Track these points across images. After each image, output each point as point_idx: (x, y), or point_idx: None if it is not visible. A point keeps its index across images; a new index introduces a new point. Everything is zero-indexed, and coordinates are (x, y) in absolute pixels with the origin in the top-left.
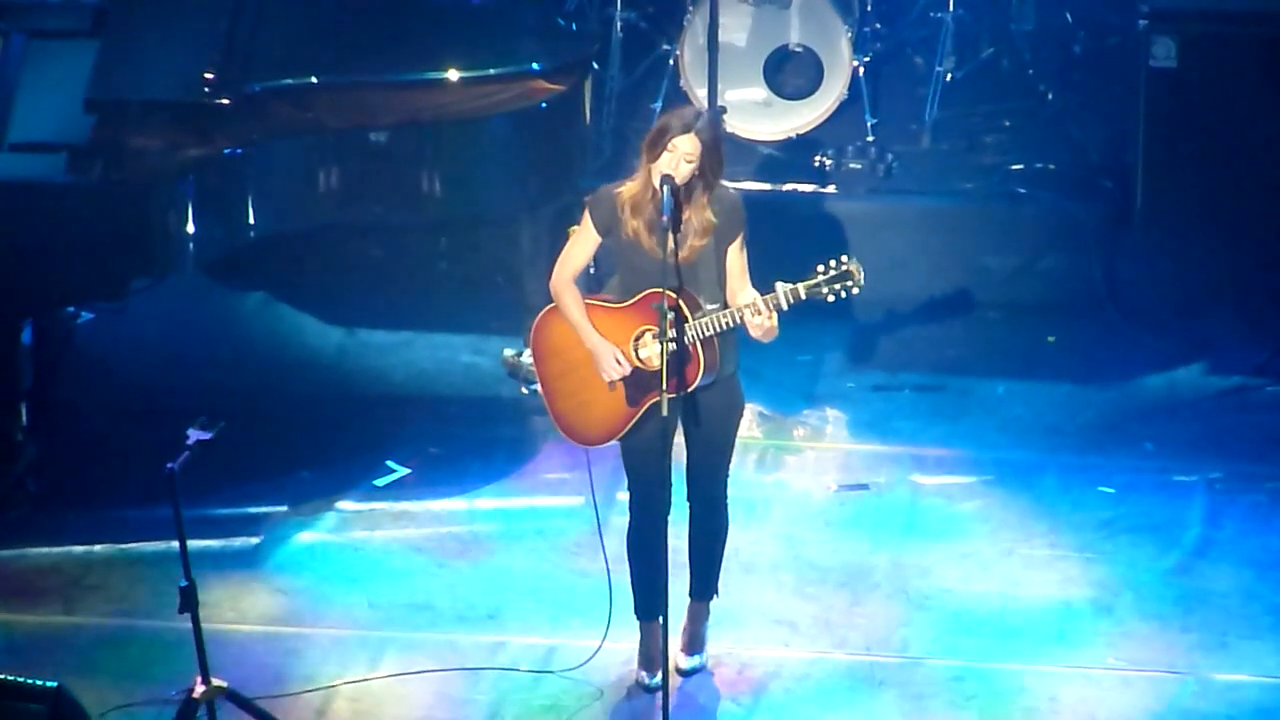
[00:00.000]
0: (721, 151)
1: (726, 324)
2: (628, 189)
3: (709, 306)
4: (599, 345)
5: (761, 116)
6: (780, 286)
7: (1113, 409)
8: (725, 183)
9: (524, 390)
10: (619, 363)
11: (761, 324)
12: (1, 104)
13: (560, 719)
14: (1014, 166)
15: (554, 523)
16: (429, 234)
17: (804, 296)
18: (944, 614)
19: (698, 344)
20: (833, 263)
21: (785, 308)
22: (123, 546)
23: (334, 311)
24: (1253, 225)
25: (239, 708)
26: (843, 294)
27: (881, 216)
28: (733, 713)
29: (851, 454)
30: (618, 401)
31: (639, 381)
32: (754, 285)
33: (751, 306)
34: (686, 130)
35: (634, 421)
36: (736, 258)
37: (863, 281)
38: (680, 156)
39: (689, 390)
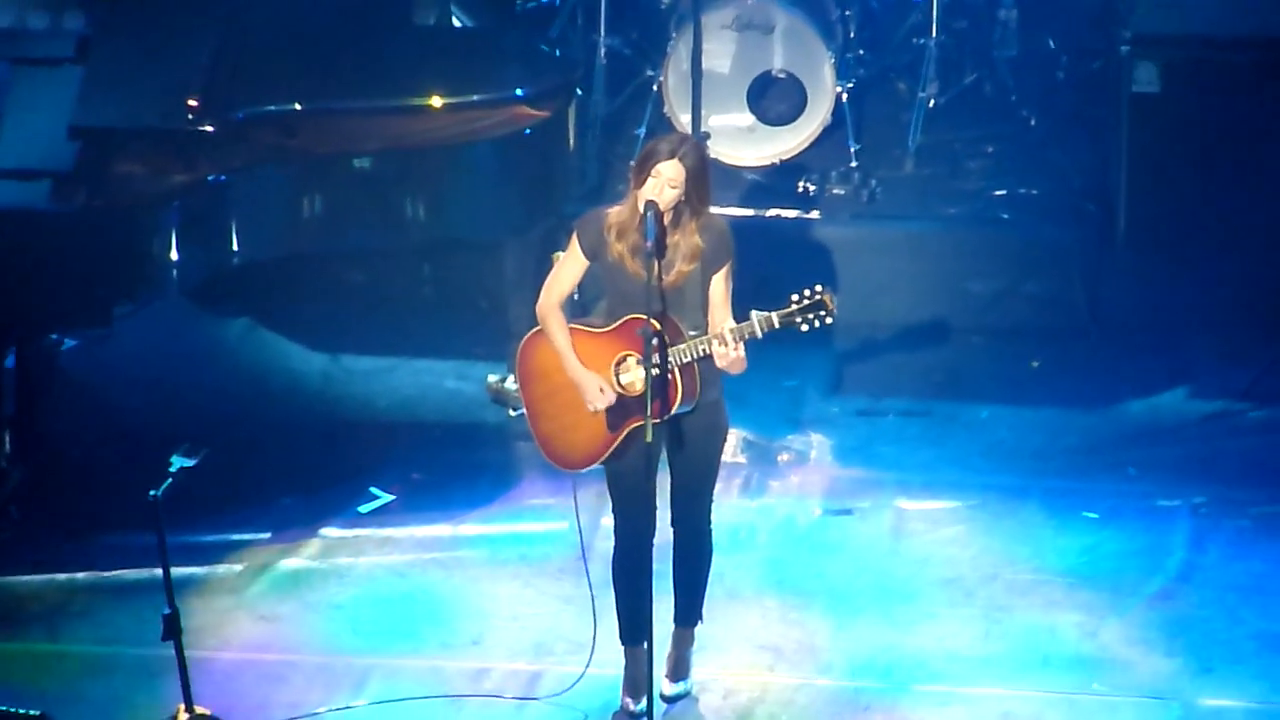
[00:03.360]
0: (707, 177)
1: (704, 351)
2: (615, 213)
3: (691, 333)
4: (583, 376)
5: (745, 142)
6: (755, 315)
7: (1096, 433)
8: (714, 210)
9: (510, 414)
10: (603, 392)
11: (726, 355)
12: None
13: None
14: (997, 191)
15: (538, 548)
16: (413, 259)
17: (778, 326)
18: (929, 639)
19: (676, 370)
20: (806, 292)
21: (760, 336)
22: (106, 573)
23: (318, 337)
24: (1236, 250)
25: None
26: (816, 324)
27: (865, 241)
28: None
29: (836, 478)
30: (599, 426)
31: (620, 407)
32: (737, 313)
33: (719, 337)
34: (671, 156)
35: (615, 446)
36: (720, 286)
37: (836, 311)
38: (665, 182)
39: (668, 416)
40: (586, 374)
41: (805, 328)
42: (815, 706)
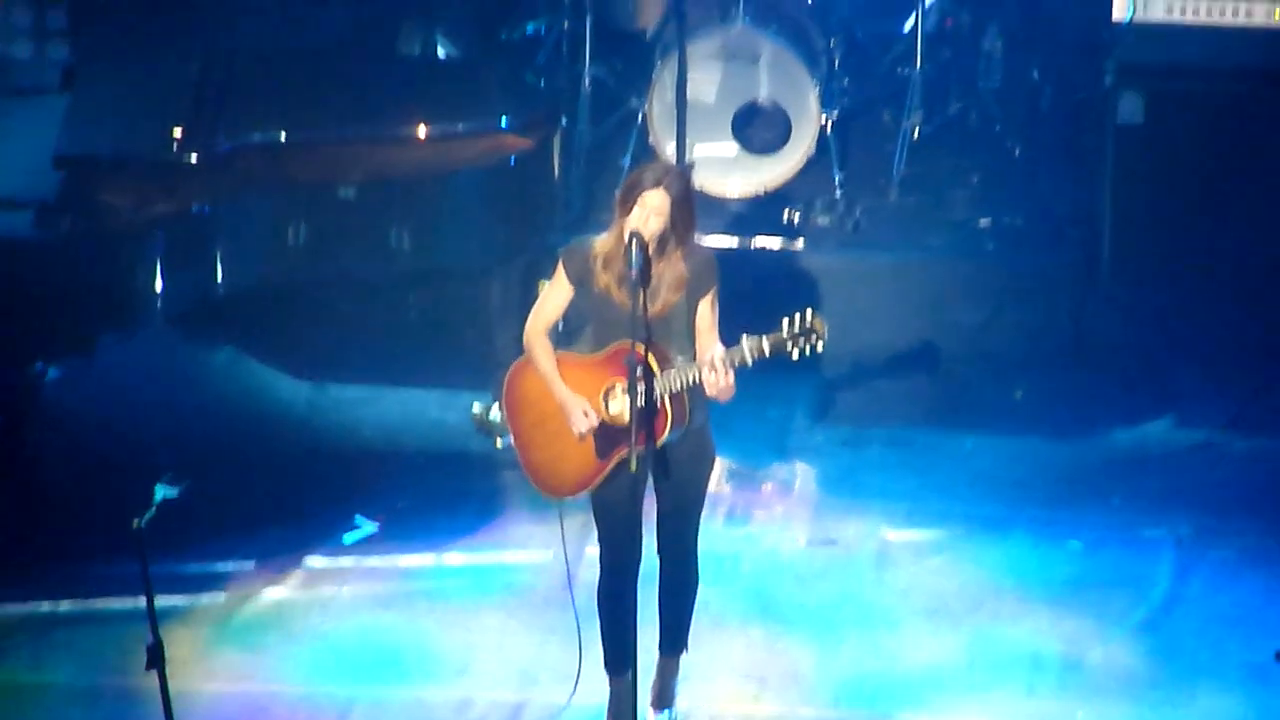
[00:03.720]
0: (692, 207)
1: (693, 379)
2: (600, 243)
3: (679, 360)
4: (568, 398)
5: (730, 171)
6: (745, 341)
7: (1081, 463)
8: (699, 240)
9: (498, 444)
10: (587, 415)
11: (716, 382)
12: None
13: None
14: (982, 222)
15: (522, 578)
16: (397, 289)
17: (768, 352)
18: (913, 669)
19: (666, 398)
20: (797, 318)
21: (750, 362)
22: (89, 603)
23: (302, 366)
24: (1220, 280)
25: None
26: (807, 350)
27: (850, 271)
28: None
29: (820, 508)
30: (588, 454)
31: (608, 435)
32: (722, 340)
33: (709, 364)
34: (656, 185)
35: (603, 475)
36: (706, 313)
37: (826, 337)
38: (650, 211)
39: (657, 444)
40: (572, 396)
41: (796, 354)
42: None
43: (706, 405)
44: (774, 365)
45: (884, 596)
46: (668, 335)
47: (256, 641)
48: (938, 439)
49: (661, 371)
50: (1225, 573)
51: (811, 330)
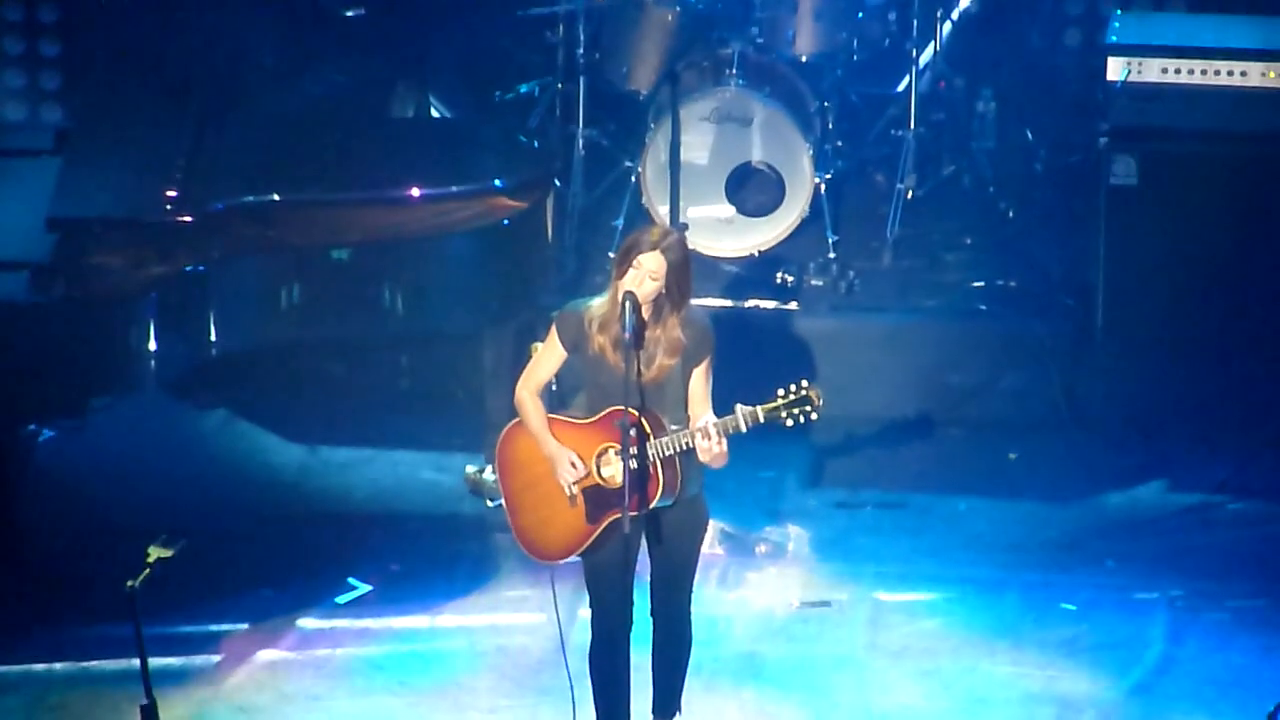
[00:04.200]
0: (689, 271)
1: (686, 444)
2: (596, 306)
3: (672, 427)
4: (555, 451)
5: (724, 233)
6: (739, 409)
7: (1074, 526)
8: (692, 301)
9: (489, 503)
10: (575, 466)
11: (710, 449)
12: None
13: None
14: (975, 284)
15: (516, 639)
16: (390, 351)
17: (762, 420)
18: None
19: (658, 464)
20: (793, 387)
21: (744, 429)
22: (84, 664)
23: (295, 429)
24: (1213, 343)
25: None
26: (801, 419)
27: (843, 333)
28: None
29: (814, 570)
30: (578, 518)
31: (599, 499)
32: (715, 405)
33: (702, 431)
34: (653, 248)
35: (593, 539)
36: (700, 380)
37: (822, 407)
38: (645, 274)
39: (647, 509)
40: (559, 448)
41: (790, 423)
42: None
43: (701, 473)
44: (767, 427)
45: (877, 659)
46: (661, 401)
47: (250, 702)
48: (931, 501)
49: (654, 437)
50: (1219, 635)
51: (806, 399)
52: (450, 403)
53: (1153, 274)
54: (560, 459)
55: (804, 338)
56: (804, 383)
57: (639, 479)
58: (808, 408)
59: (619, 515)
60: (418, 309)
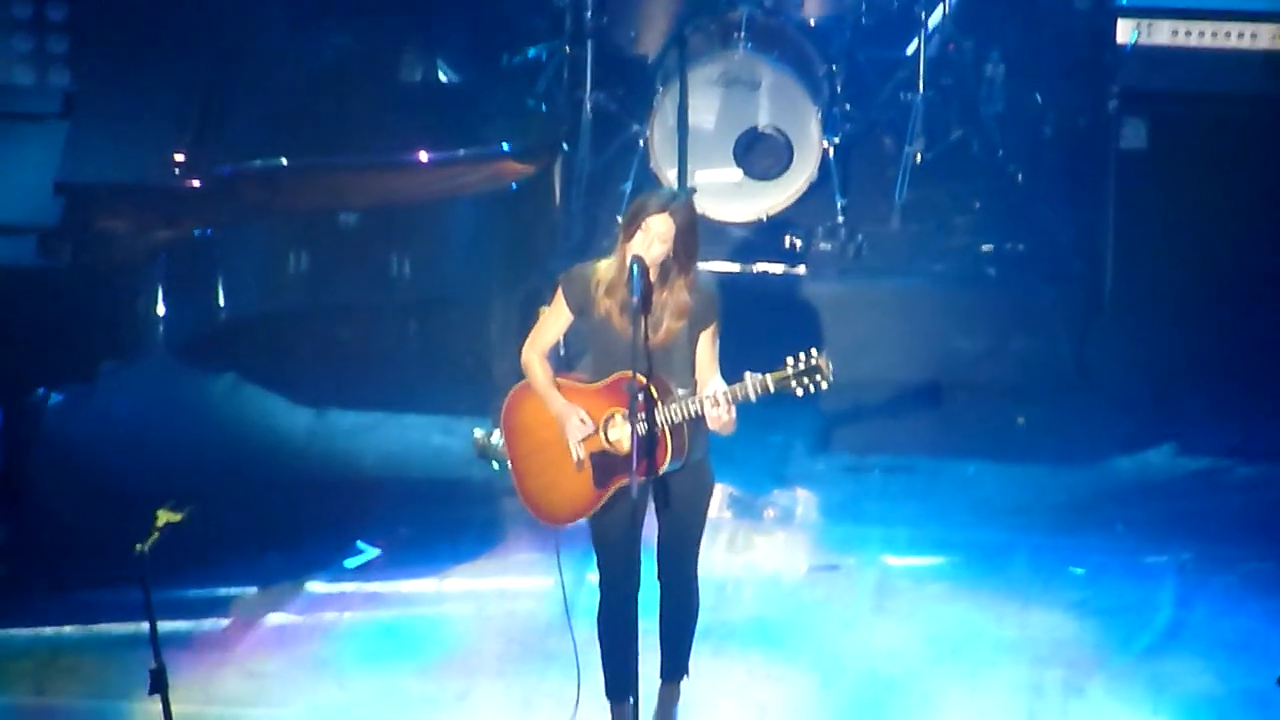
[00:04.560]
0: (696, 235)
1: (695, 411)
2: (602, 268)
3: (680, 392)
4: (563, 408)
5: (731, 198)
6: (749, 377)
7: (1083, 490)
8: (700, 265)
9: (496, 467)
10: (584, 422)
11: (719, 417)
12: None
13: None
14: (984, 248)
15: (524, 603)
16: (398, 315)
17: (772, 389)
18: (914, 695)
19: (666, 430)
20: (802, 356)
21: (753, 398)
22: (93, 628)
23: (303, 393)
24: (1223, 306)
25: None
26: (811, 388)
27: (851, 297)
28: None
29: (821, 534)
30: (585, 483)
31: (606, 464)
32: (723, 370)
33: (711, 399)
34: (661, 211)
35: (601, 503)
36: (707, 346)
37: (831, 376)
38: (654, 237)
39: (656, 475)
40: (567, 406)
41: (800, 392)
42: None
43: (707, 438)
44: (779, 393)
45: (885, 622)
46: (668, 366)
47: (259, 667)
48: (939, 465)
49: (662, 403)
50: (1228, 599)
51: (816, 369)
52: (458, 367)
53: (1162, 237)
54: (568, 417)
55: (812, 302)
56: (814, 352)
57: (647, 444)
58: (818, 377)
59: (626, 480)
60: (425, 273)
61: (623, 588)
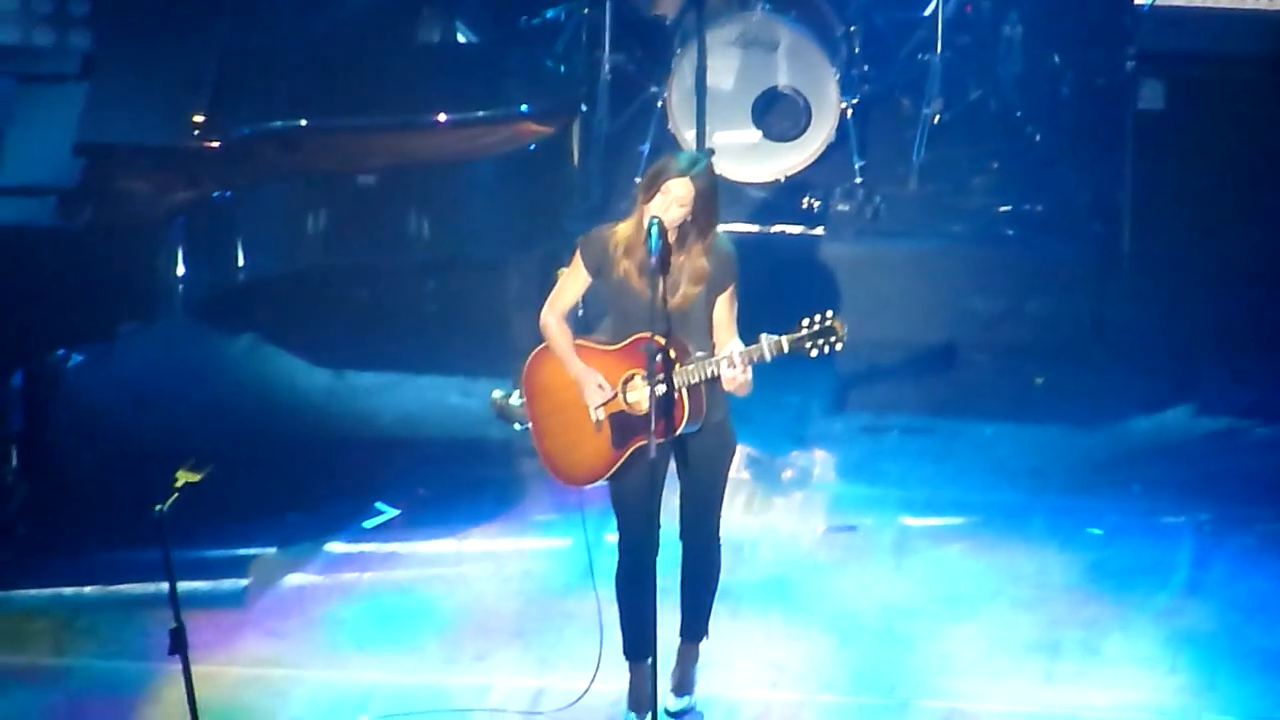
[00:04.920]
0: (716, 199)
1: (711, 373)
2: (621, 230)
3: (698, 354)
4: (582, 372)
5: (749, 159)
6: (764, 339)
7: (1101, 451)
8: (720, 230)
9: (517, 427)
10: (602, 387)
11: (735, 378)
12: None
13: None
14: (1002, 208)
15: (542, 564)
16: (417, 276)
17: (786, 350)
18: (932, 655)
19: (684, 391)
20: (817, 317)
21: (768, 359)
22: (113, 588)
23: (322, 354)
24: (1241, 267)
25: None
26: (825, 349)
27: (869, 258)
28: None
29: (839, 495)
30: (604, 444)
31: (625, 425)
32: (740, 330)
33: (728, 360)
34: (682, 174)
35: (619, 464)
36: (725, 308)
37: (845, 338)
38: (673, 200)
39: (673, 436)
40: (586, 370)
41: (814, 353)
42: None
43: (727, 400)
44: (794, 354)
45: (903, 583)
46: (686, 328)
47: (278, 626)
48: (957, 426)
49: (680, 364)
50: (1245, 559)
51: (830, 330)
52: (476, 328)
53: (1179, 198)
54: (587, 381)
55: (830, 263)
56: (828, 314)
57: (665, 406)
58: (832, 338)
59: (644, 441)
60: (444, 234)
61: (642, 549)
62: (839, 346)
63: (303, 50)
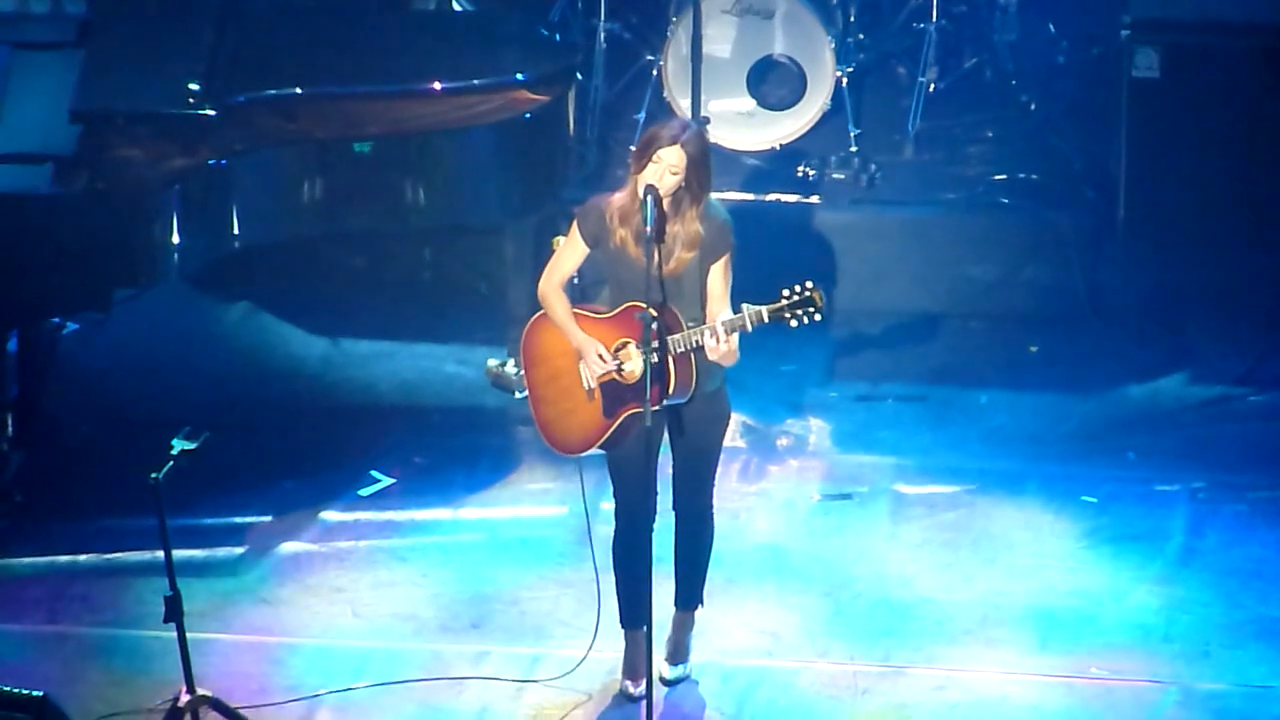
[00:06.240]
0: (708, 165)
1: (697, 342)
2: (617, 199)
3: (689, 324)
4: (584, 341)
5: (745, 127)
6: (746, 309)
7: (1095, 419)
8: (715, 198)
9: (516, 395)
10: (602, 358)
11: (717, 348)
12: None
13: None
14: (996, 177)
15: (538, 532)
16: (412, 244)
17: (767, 320)
18: (927, 623)
19: (671, 360)
20: (797, 288)
21: (749, 329)
22: (108, 556)
23: (318, 321)
24: (1234, 235)
25: (223, 717)
26: (805, 319)
27: (864, 227)
28: None
29: (834, 463)
30: (595, 412)
31: (615, 393)
32: (737, 295)
33: (710, 329)
34: (673, 142)
35: (610, 432)
36: (719, 278)
37: (824, 308)
38: (665, 168)
39: (662, 405)
40: (587, 340)
41: (795, 323)
42: (813, 690)
43: (721, 370)
44: (774, 324)
45: (898, 551)
46: (679, 296)
47: (273, 594)
48: (952, 394)
49: (670, 332)
50: (1240, 527)
51: (810, 300)
52: (472, 296)
53: (1174, 166)
54: (588, 350)
55: (825, 231)
56: (808, 284)
57: (657, 374)
58: (811, 309)
59: (635, 409)
60: (440, 202)
61: (638, 518)
62: (818, 317)
63: (298, 17)
